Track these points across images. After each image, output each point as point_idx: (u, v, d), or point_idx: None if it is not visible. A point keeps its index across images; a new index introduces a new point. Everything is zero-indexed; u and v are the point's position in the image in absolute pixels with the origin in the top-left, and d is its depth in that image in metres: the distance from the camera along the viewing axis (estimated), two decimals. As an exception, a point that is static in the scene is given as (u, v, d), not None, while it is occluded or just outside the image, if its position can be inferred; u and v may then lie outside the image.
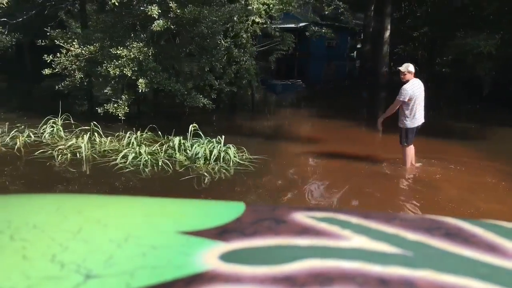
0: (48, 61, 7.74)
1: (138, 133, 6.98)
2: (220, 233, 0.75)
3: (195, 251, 0.69)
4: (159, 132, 7.18)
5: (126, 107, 7.83)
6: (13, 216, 0.86)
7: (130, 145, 6.59)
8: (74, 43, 7.73)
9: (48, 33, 8.11)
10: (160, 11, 7.38)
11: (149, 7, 7.45)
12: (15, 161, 6.06)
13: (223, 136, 6.19)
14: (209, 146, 5.98)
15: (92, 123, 7.11)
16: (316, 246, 0.71)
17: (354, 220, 0.80)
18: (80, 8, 18.52)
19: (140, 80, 7.67)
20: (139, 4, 7.82)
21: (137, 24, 8.68)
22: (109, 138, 6.81)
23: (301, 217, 0.81)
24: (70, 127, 7.43)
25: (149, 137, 7.12)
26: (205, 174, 5.55)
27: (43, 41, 8.05)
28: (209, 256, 0.67)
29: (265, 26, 8.96)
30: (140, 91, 7.70)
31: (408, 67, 5.76)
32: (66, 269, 0.64)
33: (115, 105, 7.94)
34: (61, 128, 7.23)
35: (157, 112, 9.41)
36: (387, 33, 14.16)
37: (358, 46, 25.11)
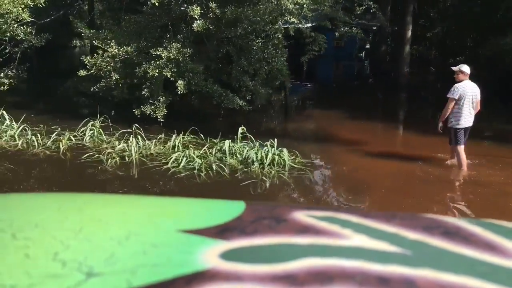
0: (85, 62, 7.60)
1: (181, 135, 6.85)
2: (221, 231, 0.75)
3: (196, 249, 0.69)
4: (201, 135, 7.06)
5: (164, 109, 7.70)
6: (15, 215, 0.86)
7: (176, 149, 6.48)
8: (112, 43, 7.58)
9: (82, 34, 7.94)
10: (202, 11, 7.26)
11: (190, 7, 7.33)
12: (65, 165, 5.93)
13: (275, 139, 6.09)
14: (264, 150, 5.87)
15: (134, 126, 6.97)
16: (317, 245, 0.71)
17: (354, 219, 0.81)
18: (88, 8, 18.37)
19: (179, 82, 7.55)
20: (178, 5, 7.69)
21: (168, 24, 8.57)
22: (153, 141, 6.67)
23: (301, 216, 0.81)
24: (108, 129, 7.29)
25: (191, 140, 6.99)
26: (264, 178, 5.44)
27: (79, 42, 7.86)
28: (209, 255, 0.67)
29: (299, 26, 8.86)
30: (179, 92, 7.57)
31: (461, 67, 5.74)
32: (68, 267, 0.64)
33: (152, 107, 7.80)
34: (101, 131, 7.08)
35: (188, 114, 9.27)
36: (409, 33, 14.08)
37: (367, 46, 24.99)
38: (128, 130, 6.98)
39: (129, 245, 0.72)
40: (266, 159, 5.74)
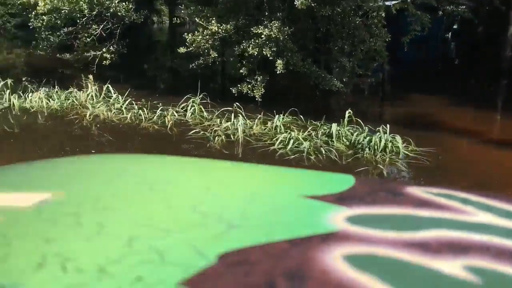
0: (187, 39, 7.65)
1: (281, 116, 6.71)
2: (339, 199, 0.76)
3: (321, 213, 0.70)
4: (301, 116, 6.89)
5: (262, 88, 7.60)
6: (148, 172, 0.91)
7: (278, 130, 6.37)
8: (213, 21, 7.55)
9: (182, 11, 7.98)
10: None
11: (294, -17, 7.08)
12: (175, 141, 6.05)
13: (387, 125, 5.76)
14: (377, 135, 5.58)
15: (235, 104, 6.95)
16: (441, 218, 0.69)
17: (473, 198, 0.78)
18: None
19: (278, 61, 7.38)
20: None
21: (264, 2, 8.38)
22: (255, 121, 6.60)
23: (417, 191, 0.80)
24: (206, 106, 7.33)
25: (291, 121, 6.83)
26: (380, 166, 5.18)
27: (177, 19, 7.93)
28: (336, 218, 0.67)
29: (405, 3, 8.31)
30: (277, 72, 7.42)
31: None
32: (209, 218, 0.67)
33: (249, 86, 7.73)
34: (202, 108, 7.14)
35: (280, 94, 9.12)
36: (516, 13, 12.81)
37: (455, 26, 23.27)
38: (227, 108, 6.97)
39: (258, 204, 0.74)
40: (380, 145, 5.45)
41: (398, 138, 5.61)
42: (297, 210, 0.72)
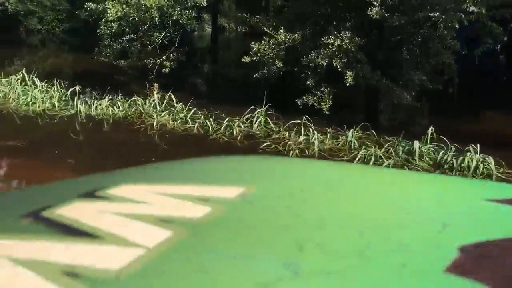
0: (254, 48, 7.49)
1: (352, 131, 6.43)
2: None
3: None
4: (373, 131, 6.58)
5: (329, 101, 7.33)
6: (316, 173, 0.91)
7: (352, 145, 6.10)
8: (281, 30, 7.36)
9: (247, 19, 7.86)
10: (383, -3, 6.71)
11: (371, -7, 6.81)
12: (250, 154, 5.84)
13: (478, 145, 5.39)
14: (469, 155, 5.22)
15: (304, 117, 6.71)
16: None
17: None
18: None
19: (348, 73, 7.10)
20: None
21: (329, 11, 8.15)
22: (328, 135, 6.35)
23: None
24: (271, 117, 7.12)
25: (363, 136, 6.53)
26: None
27: (244, 28, 7.81)
28: None
29: (480, 14, 7.91)
30: (347, 84, 7.14)
31: None
32: (415, 217, 0.66)
33: (315, 97, 7.48)
34: (269, 120, 6.94)
35: (345, 106, 8.81)
36: None
37: (504, 38, 22.42)
38: (294, 120, 6.75)
39: (451, 206, 0.71)
40: (472, 166, 5.08)
41: (490, 159, 5.23)
42: (494, 212, 0.71)
